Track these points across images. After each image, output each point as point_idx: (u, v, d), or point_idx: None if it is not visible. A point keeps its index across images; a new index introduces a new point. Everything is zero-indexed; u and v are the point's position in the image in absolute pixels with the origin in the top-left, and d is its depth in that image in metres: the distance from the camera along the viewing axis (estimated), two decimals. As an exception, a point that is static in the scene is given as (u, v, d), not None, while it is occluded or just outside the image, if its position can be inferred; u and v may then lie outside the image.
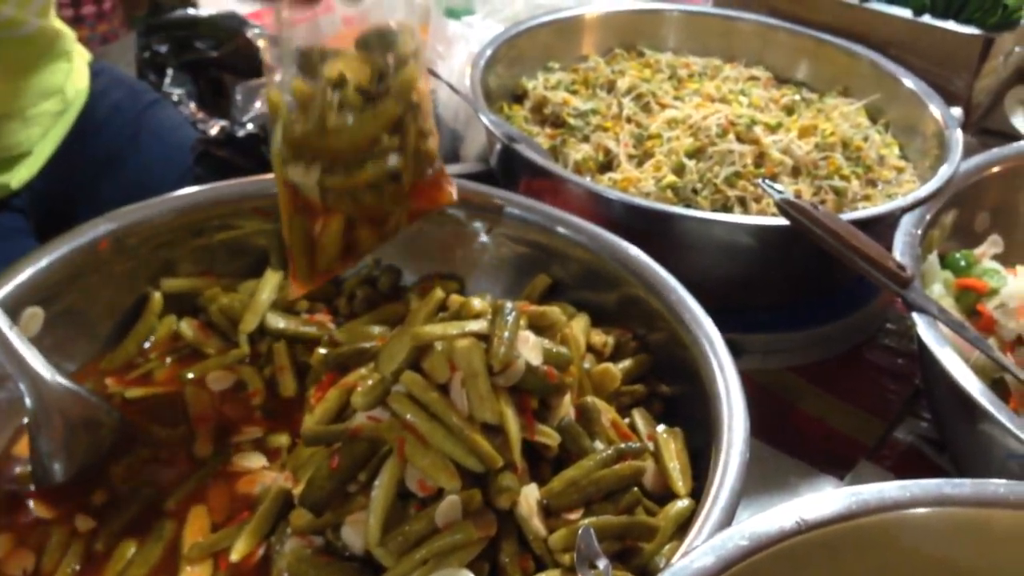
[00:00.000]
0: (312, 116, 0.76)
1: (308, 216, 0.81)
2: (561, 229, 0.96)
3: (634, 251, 0.92)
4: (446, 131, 1.34)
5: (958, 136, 1.13)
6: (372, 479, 0.69)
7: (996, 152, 1.12)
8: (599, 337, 0.87)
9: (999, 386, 0.93)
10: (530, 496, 0.68)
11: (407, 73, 0.77)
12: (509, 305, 0.73)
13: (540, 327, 0.79)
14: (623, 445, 0.73)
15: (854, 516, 0.66)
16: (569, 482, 0.69)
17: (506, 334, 0.70)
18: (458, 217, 1.00)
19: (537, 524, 0.67)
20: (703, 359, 0.82)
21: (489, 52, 1.24)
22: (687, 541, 0.66)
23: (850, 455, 1.02)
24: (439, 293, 0.81)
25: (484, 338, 0.71)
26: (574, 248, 0.95)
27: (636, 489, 0.71)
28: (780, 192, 0.92)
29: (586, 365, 0.83)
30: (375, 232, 0.83)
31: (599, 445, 0.73)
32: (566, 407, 0.74)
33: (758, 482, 0.98)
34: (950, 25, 1.29)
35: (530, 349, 0.71)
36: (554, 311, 0.79)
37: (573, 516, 0.68)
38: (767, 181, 0.93)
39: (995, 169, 1.11)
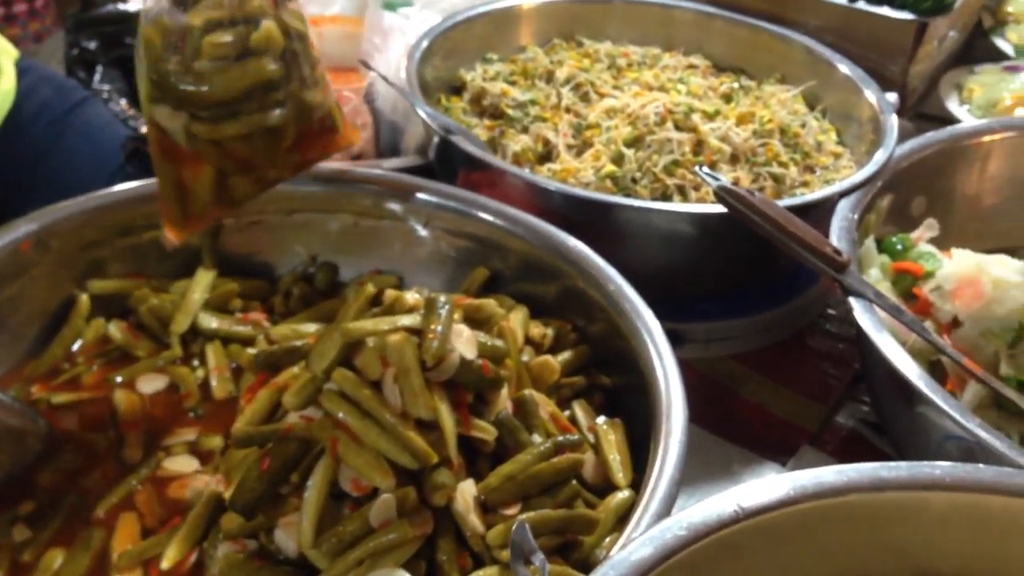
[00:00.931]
0: (181, 57, 0.76)
1: (176, 161, 0.80)
2: (498, 221, 0.95)
3: (572, 242, 0.91)
4: (385, 124, 1.32)
5: (893, 121, 1.14)
6: (305, 480, 0.67)
7: (930, 136, 1.13)
8: (538, 329, 0.86)
9: (936, 368, 0.94)
10: (467, 492, 0.67)
11: (264, 29, 0.78)
12: (443, 298, 0.72)
13: (476, 320, 0.78)
14: (561, 438, 0.72)
15: (793, 502, 0.66)
16: (506, 477, 0.68)
17: (439, 328, 0.69)
18: (395, 211, 0.98)
19: (474, 520, 0.66)
20: (642, 349, 0.81)
21: (425, 44, 1.22)
22: (626, 533, 0.66)
23: (792, 441, 1.02)
24: (370, 288, 0.79)
25: (417, 332, 0.69)
26: (512, 240, 0.94)
27: (575, 482, 0.71)
28: (717, 179, 0.92)
29: (524, 358, 0.82)
30: (252, 181, 0.83)
31: (537, 439, 0.72)
32: (503, 401, 0.73)
33: (700, 470, 0.98)
34: (884, 11, 1.30)
35: (465, 343, 0.70)
36: (490, 304, 0.78)
37: (511, 511, 0.68)
38: (704, 169, 0.93)
39: (929, 153, 1.12)
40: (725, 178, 0.92)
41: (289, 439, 0.67)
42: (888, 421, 0.95)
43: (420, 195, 0.97)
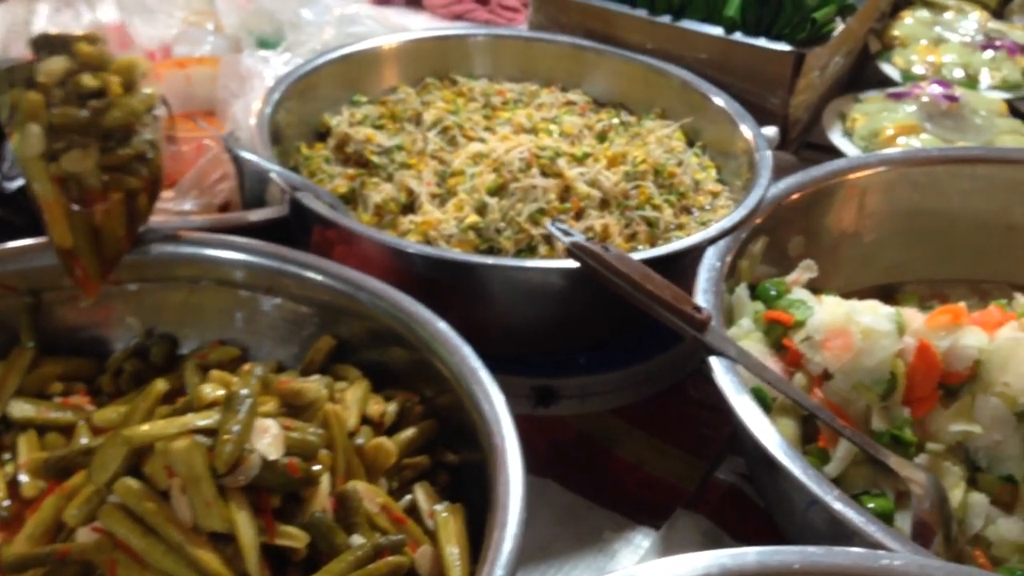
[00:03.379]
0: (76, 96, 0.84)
1: (89, 203, 0.85)
2: (342, 286, 0.89)
3: (416, 308, 0.85)
4: (251, 173, 1.25)
5: (767, 158, 1.10)
6: (89, 606, 0.60)
7: (807, 173, 1.09)
8: (377, 406, 0.80)
9: (809, 423, 0.90)
10: (269, 611, 0.60)
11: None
12: (244, 391, 0.65)
13: (296, 406, 0.71)
14: (381, 539, 0.66)
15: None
16: (316, 590, 0.62)
17: (235, 428, 0.62)
18: (234, 277, 0.92)
19: (278, 644, 0.60)
20: (483, 426, 0.75)
21: (283, 88, 1.16)
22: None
23: (670, 502, 0.97)
24: (159, 386, 0.73)
25: (212, 434, 0.63)
26: (357, 306, 0.88)
27: (395, 588, 0.65)
28: (569, 235, 0.87)
29: (360, 440, 0.76)
30: (149, 199, 0.90)
31: (358, 539, 0.66)
32: (321, 499, 0.67)
33: (571, 541, 0.93)
34: (761, 42, 1.27)
35: (269, 441, 0.64)
36: (311, 388, 0.72)
37: (320, 627, 0.61)
38: (556, 224, 0.88)
39: (806, 191, 1.08)
40: (578, 233, 0.87)
41: (66, 563, 0.60)
42: (758, 485, 0.91)
43: (260, 259, 0.91)
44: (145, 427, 0.62)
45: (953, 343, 0.88)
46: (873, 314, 0.89)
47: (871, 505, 0.83)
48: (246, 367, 0.82)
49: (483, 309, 1.00)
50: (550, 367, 1.06)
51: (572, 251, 0.85)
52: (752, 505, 0.97)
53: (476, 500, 0.77)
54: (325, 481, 0.68)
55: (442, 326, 0.83)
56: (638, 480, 1.00)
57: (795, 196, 1.07)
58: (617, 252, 0.86)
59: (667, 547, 0.90)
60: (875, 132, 1.31)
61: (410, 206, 1.09)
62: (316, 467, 0.66)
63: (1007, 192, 1.15)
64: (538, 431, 1.05)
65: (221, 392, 0.67)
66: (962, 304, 0.91)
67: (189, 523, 0.60)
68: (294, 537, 0.63)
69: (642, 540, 0.93)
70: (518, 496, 0.69)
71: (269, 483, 0.63)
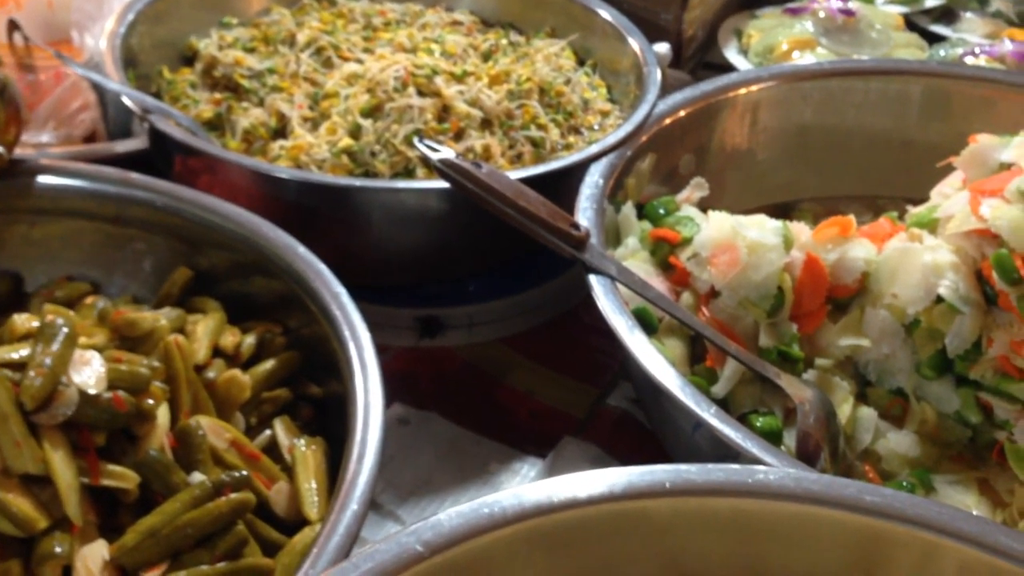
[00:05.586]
0: None
1: None
2: (201, 214, 0.82)
3: (274, 233, 0.80)
4: (116, 103, 1.17)
5: (656, 74, 1.06)
6: None
7: (696, 88, 1.04)
8: (233, 338, 0.74)
9: (698, 343, 0.87)
10: (94, 556, 0.55)
11: None
12: (60, 321, 0.59)
13: (132, 339, 0.65)
14: (223, 476, 0.60)
15: (486, 530, 0.57)
16: (147, 532, 0.57)
17: (47, 361, 0.56)
18: (77, 208, 0.84)
19: (104, 591, 0.55)
20: (343, 355, 0.70)
21: (138, 7, 1.07)
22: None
23: (559, 431, 0.93)
24: None
25: (22, 368, 0.57)
26: (215, 235, 0.82)
27: (241, 527, 0.60)
28: (436, 151, 0.81)
29: (211, 374, 0.70)
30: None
31: (199, 477, 0.61)
32: (158, 436, 0.61)
33: (454, 474, 0.89)
34: (652, -45, 1.22)
35: (90, 374, 0.58)
36: (146, 319, 0.66)
37: (153, 574, 0.56)
38: (424, 140, 0.82)
39: (696, 107, 1.04)
40: (447, 149, 0.82)
41: None
42: (645, 408, 0.88)
43: (103, 186, 0.83)
44: (-58, 363, 0.56)
45: (841, 255, 0.86)
46: (759, 228, 0.86)
47: (759, 423, 0.80)
48: (88, 300, 0.75)
49: (359, 237, 0.95)
50: (436, 297, 1.02)
51: (440, 168, 0.80)
52: (642, 430, 0.94)
53: (341, 434, 0.72)
54: (163, 417, 0.62)
55: (302, 251, 0.78)
56: (527, 410, 0.96)
57: (684, 112, 1.02)
58: (489, 169, 0.81)
59: (552, 475, 0.86)
60: (770, 48, 1.28)
61: (282, 131, 1.03)
62: (148, 401, 0.60)
63: (902, 106, 1.12)
64: (423, 363, 1.00)
65: (36, 324, 0.61)
66: (851, 216, 0.89)
67: (-2, 466, 0.54)
68: (122, 477, 0.58)
69: (528, 470, 0.89)
70: (376, 427, 0.64)
71: (92, 420, 0.57)
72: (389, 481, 0.87)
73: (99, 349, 0.61)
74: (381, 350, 1.00)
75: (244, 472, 0.61)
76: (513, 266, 1.05)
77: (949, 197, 0.87)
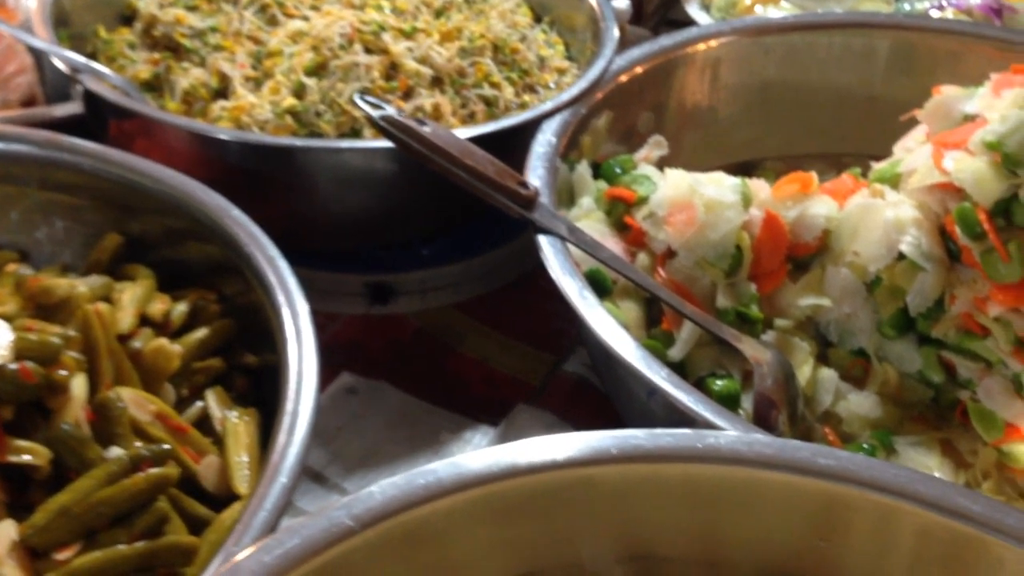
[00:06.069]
0: None
1: None
2: (126, 177, 0.78)
3: (207, 196, 0.76)
4: (52, 66, 1.12)
5: (613, 30, 1.02)
6: None
7: (655, 43, 1.01)
8: (161, 306, 0.70)
9: (655, 305, 0.84)
10: (1, 537, 0.52)
11: None
12: (-42, 289, 0.55)
13: (50, 307, 0.62)
14: (142, 450, 0.57)
15: (422, 502, 0.54)
16: (58, 511, 0.53)
17: (-57, 330, 0.52)
18: (4, 173, 0.80)
19: (12, 574, 0.51)
20: (278, 323, 0.67)
21: (72, -37, 1.03)
22: (218, 558, 0.52)
23: (514, 399, 0.90)
24: None
25: (-84, 339, 0.53)
26: (146, 199, 0.78)
27: (162, 503, 0.56)
28: (380, 108, 0.77)
29: (138, 344, 0.67)
30: None
31: (117, 452, 0.57)
32: (73, 410, 0.58)
33: (403, 445, 0.86)
34: (610, -94, 1.17)
35: (-6, 344, 0.54)
36: (60, 286, 0.62)
37: (66, 554, 0.53)
38: (365, 96, 0.78)
39: (655, 63, 1.00)
40: (391, 107, 0.78)
41: None
42: (601, 374, 0.85)
43: (25, 148, 0.79)
44: None
45: (801, 213, 0.83)
46: (717, 186, 0.83)
47: (717, 386, 0.78)
48: (9, 268, 0.71)
49: (304, 200, 0.91)
50: (388, 262, 0.98)
51: (382, 126, 0.76)
52: (600, 396, 0.91)
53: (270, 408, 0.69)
54: (79, 389, 0.59)
55: (236, 214, 0.74)
56: (481, 378, 0.93)
57: (642, 69, 0.99)
58: (434, 126, 0.77)
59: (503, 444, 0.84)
60: (732, 2, 1.24)
61: (223, 92, 0.98)
62: (61, 372, 0.57)
63: (867, 60, 1.09)
64: (374, 331, 0.97)
65: (-62, 291, 0.57)
66: (812, 173, 0.86)
67: None
68: (32, 452, 0.54)
69: (481, 439, 0.86)
70: (310, 397, 0.61)
71: (-4, 392, 0.54)
72: (336, 453, 0.84)
73: (10, 318, 0.58)
74: (330, 318, 0.99)
75: (166, 446, 0.58)
76: (467, 230, 1.01)
77: (912, 151, 0.84)
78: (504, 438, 0.85)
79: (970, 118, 0.81)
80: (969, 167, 0.74)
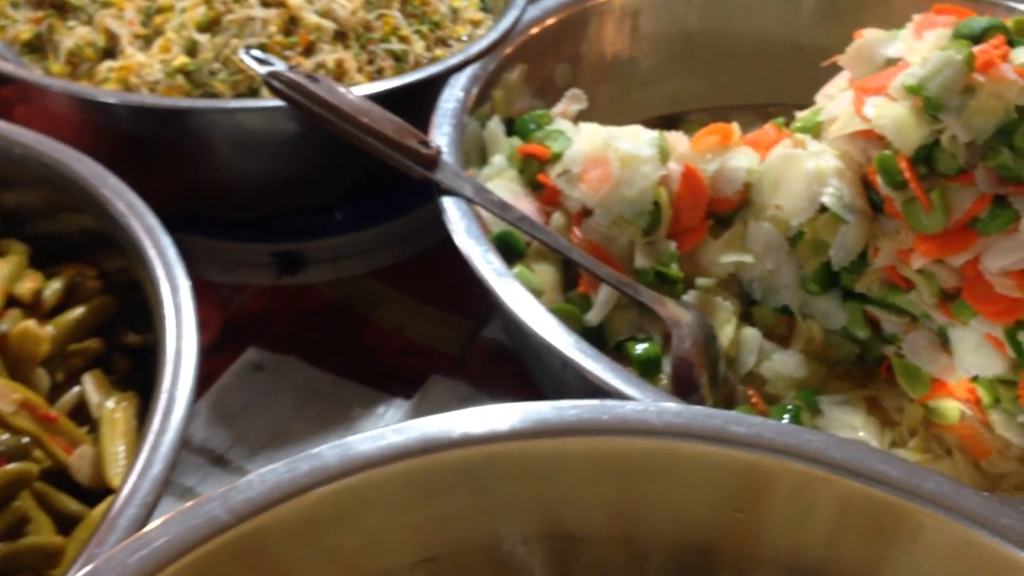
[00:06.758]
0: None
1: None
2: (-3, 145, 0.72)
3: (83, 163, 0.70)
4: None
5: (526, -23, 0.97)
6: None
7: (570, -7, 0.96)
8: (31, 284, 0.65)
9: (573, 268, 0.80)
10: None
11: None
12: None
13: None
14: (-2, 444, 0.52)
15: (306, 489, 0.50)
16: (-101, 516, 0.48)
17: None
18: None
19: None
20: (156, 298, 0.62)
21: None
22: (79, 561, 0.48)
23: (431, 370, 0.86)
24: None
25: None
26: (16, 168, 0.72)
27: (22, 502, 0.52)
28: (269, 64, 0.72)
29: (4, 326, 0.61)
30: None
31: (-30, 448, 0.52)
32: (-80, 403, 0.52)
33: (313, 422, 0.82)
34: None
35: None
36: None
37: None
38: (252, 51, 0.73)
39: (571, 12, 0.96)
40: (279, 62, 0.73)
41: None
42: (515, 343, 0.81)
43: None
44: None
45: (721, 166, 0.79)
46: (633, 140, 0.79)
47: (638, 350, 0.74)
48: None
49: (200, 166, 0.85)
50: (295, 230, 0.93)
51: (270, 83, 0.71)
52: (519, 365, 0.87)
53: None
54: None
55: (112, 182, 0.68)
56: (396, 348, 0.89)
57: (556, 19, 0.94)
58: (328, 83, 0.72)
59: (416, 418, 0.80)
60: (655, -50, 1.19)
61: (111, 52, 0.92)
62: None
63: (792, 7, 1.05)
64: (283, 303, 0.92)
65: None
66: (733, 123, 0.82)
67: None
68: None
69: (394, 414, 0.82)
70: (188, 378, 0.56)
71: None
72: (240, 434, 0.79)
73: None
74: (238, 290, 0.94)
75: (25, 438, 0.53)
76: (381, 194, 0.96)
77: (834, 99, 0.81)
78: (417, 412, 0.81)
79: (892, 62, 0.77)
80: (890, 113, 0.70)
